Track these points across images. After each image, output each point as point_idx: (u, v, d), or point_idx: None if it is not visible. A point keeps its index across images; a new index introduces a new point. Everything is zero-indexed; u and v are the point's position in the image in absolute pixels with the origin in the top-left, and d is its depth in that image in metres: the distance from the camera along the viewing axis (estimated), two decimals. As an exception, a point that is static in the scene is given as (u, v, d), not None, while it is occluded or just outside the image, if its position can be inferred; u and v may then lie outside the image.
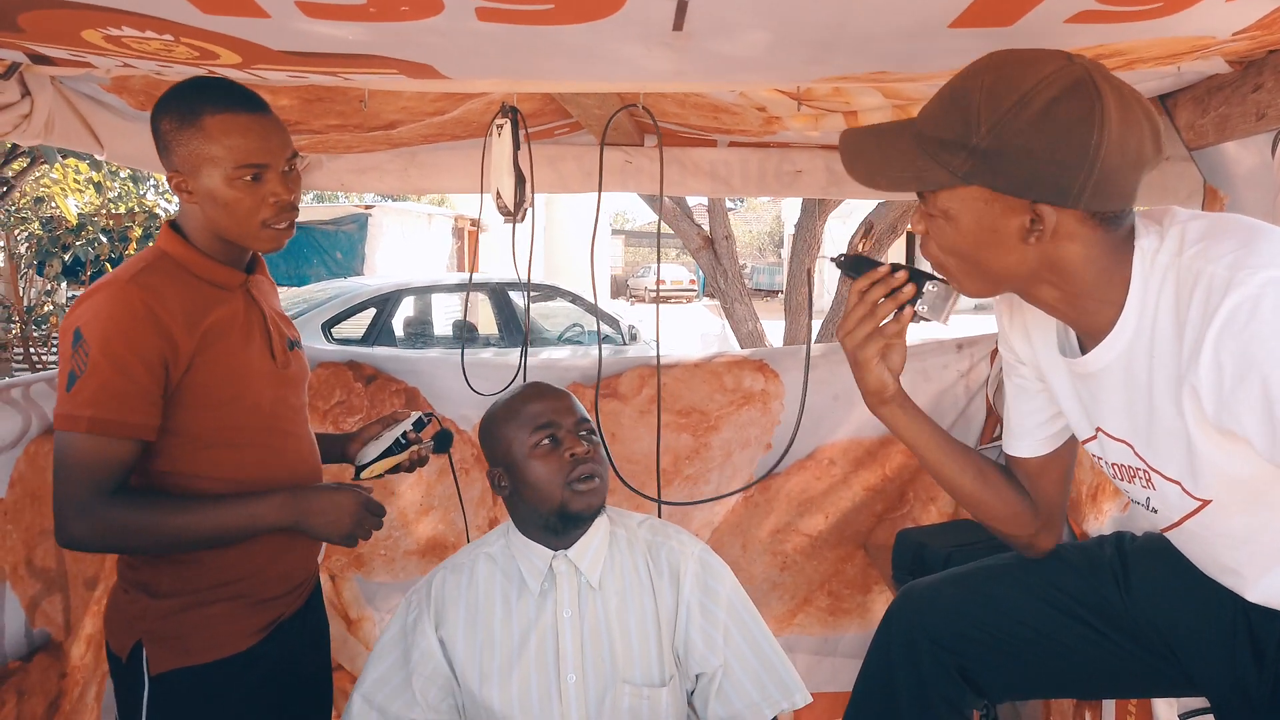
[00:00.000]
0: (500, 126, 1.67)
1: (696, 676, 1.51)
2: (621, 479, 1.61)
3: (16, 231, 8.87)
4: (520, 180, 1.71)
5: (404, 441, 1.71)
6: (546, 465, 1.46)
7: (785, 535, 2.63)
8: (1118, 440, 1.20)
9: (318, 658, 1.79)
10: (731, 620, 1.51)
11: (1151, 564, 1.35)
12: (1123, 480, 1.24)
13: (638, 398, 2.56)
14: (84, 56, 1.34)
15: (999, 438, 2.57)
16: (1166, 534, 1.24)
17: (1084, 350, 1.19)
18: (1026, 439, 1.36)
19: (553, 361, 2.64)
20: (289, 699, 1.62)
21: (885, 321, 1.25)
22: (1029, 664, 1.41)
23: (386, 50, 1.18)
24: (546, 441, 1.47)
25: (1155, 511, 1.20)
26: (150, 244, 1.58)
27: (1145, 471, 1.18)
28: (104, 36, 1.12)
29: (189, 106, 1.41)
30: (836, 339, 1.31)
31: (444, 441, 1.79)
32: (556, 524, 1.48)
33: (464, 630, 1.49)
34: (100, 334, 1.37)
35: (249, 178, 1.43)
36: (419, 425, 1.76)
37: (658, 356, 1.82)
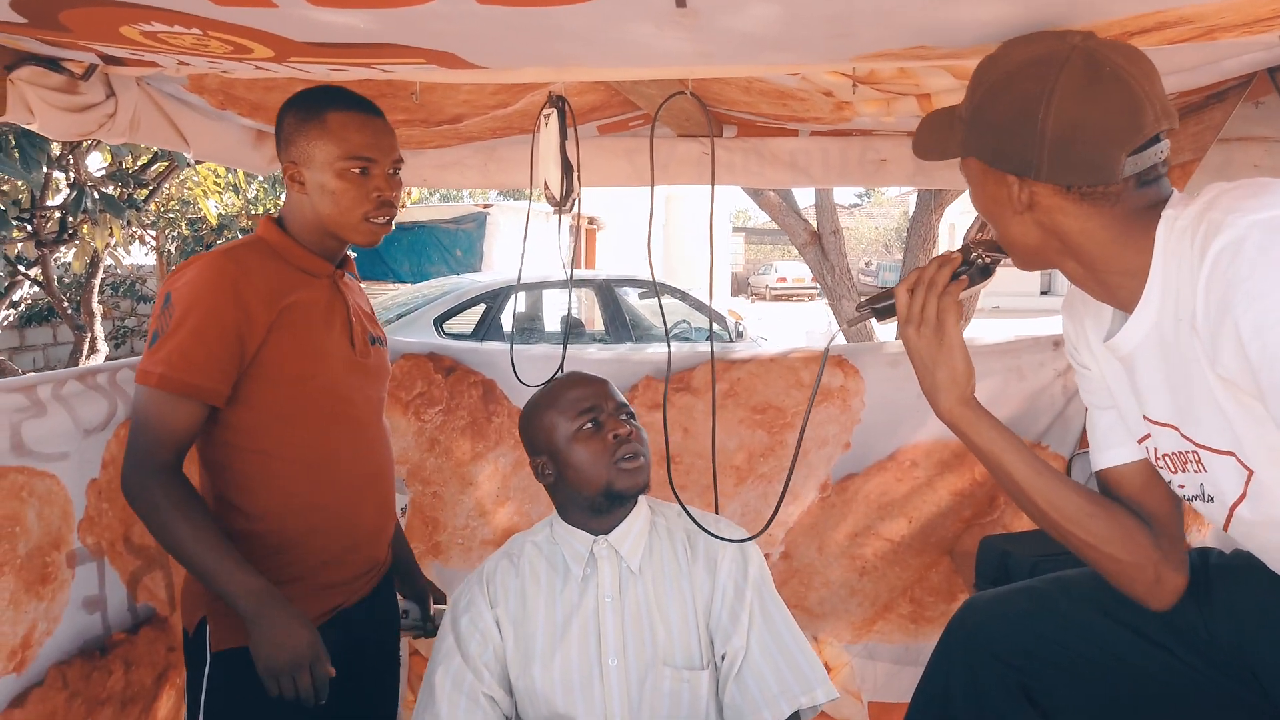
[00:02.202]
0: (547, 117, 1.66)
1: (721, 658, 1.49)
2: (685, 509, 1.60)
3: (168, 232, 9.48)
4: (568, 170, 1.70)
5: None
6: (590, 448, 1.50)
7: (864, 539, 2.53)
8: (1163, 425, 1.12)
9: (384, 646, 1.83)
10: (757, 600, 1.50)
11: (1236, 581, 1.24)
12: (1176, 472, 1.14)
13: (710, 392, 2.51)
14: (141, 55, 1.41)
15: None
16: (1228, 532, 1.13)
17: None
18: (1116, 446, 1.23)
19: (627, 355, 2.61)
20: (350, 685, 1.64)
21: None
22: (1098, 687, 1.32)
23: (402, 38, 1.19)
24: (589, 425, 1.51)
25: (1211, 500, 1.10)
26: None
27: (1194, 453, 1.09)
28: (141, 32, 1.17)
29: (315, 104, 1.54)
30: (900, 336, 1.25)
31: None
32: (602, 503, 1.51)
33: (513, 612, 1.52)
34: (186, 300, 1.47)
35: (357, 170, 1.54)
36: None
37: (711, 352, 1.78)
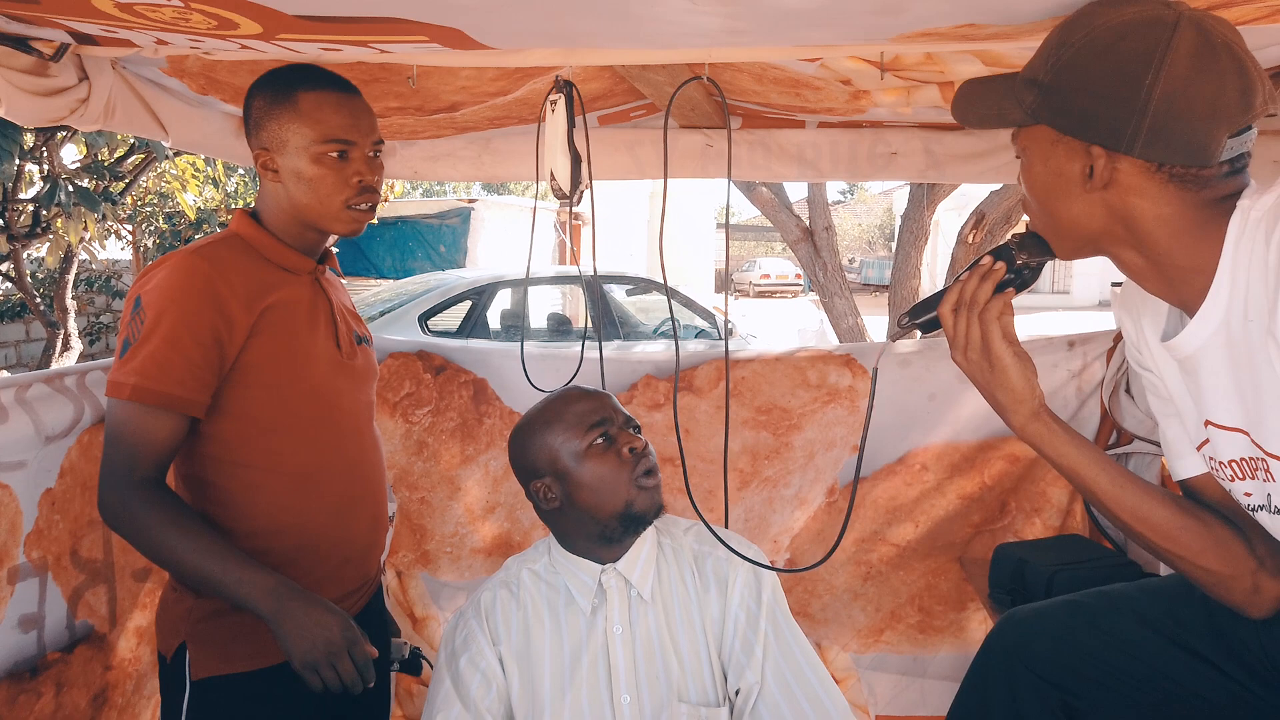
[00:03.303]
0: (554, 103, 1.55)
1: (736, 693, 1.38)
2: (694, 504, 1.49)
3: (144, 226, 9.30)
4: (575, 160, 1.60)
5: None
6: (605, 464, 1.37)
7: (871, 544, 2.45)
8: (1230, 430, 1.03)
9: (376, 666, 1.73)
10: (771, 629, 1.39)
11: None
12: (1242, 480, 1.06)
13: (714, 391, 2.42)
14: (115, 32, 1.29)
15: (1114, 444, 2.34)
16: None
17: None
18: (1192, 454, 1.15)
19: (626, 354, 2.52)
20: (342, 708, 1.54)
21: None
22: (1144, 707, 1.24)
23: (407, 11, 1.09)
24: (600, 441, 1.38)
25: (1278, 513, 1.02)
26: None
27: (1264, 460, 1.00)
28: (115, 4, 1.06)
29: (284, 85, 1.43)
30: (954, 361, 1.16)
31: (412, 665, 1.80)
32: (616, 529, 1.38)
33: (518, 649, 1.40)
34: (157, 304, 1.35)
35: (335, 154, 1.44)
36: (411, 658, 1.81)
37: (725, 351, 1.68)
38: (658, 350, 2.19)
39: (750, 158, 2.40)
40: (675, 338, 1.72)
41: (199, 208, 8.76)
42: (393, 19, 1.13)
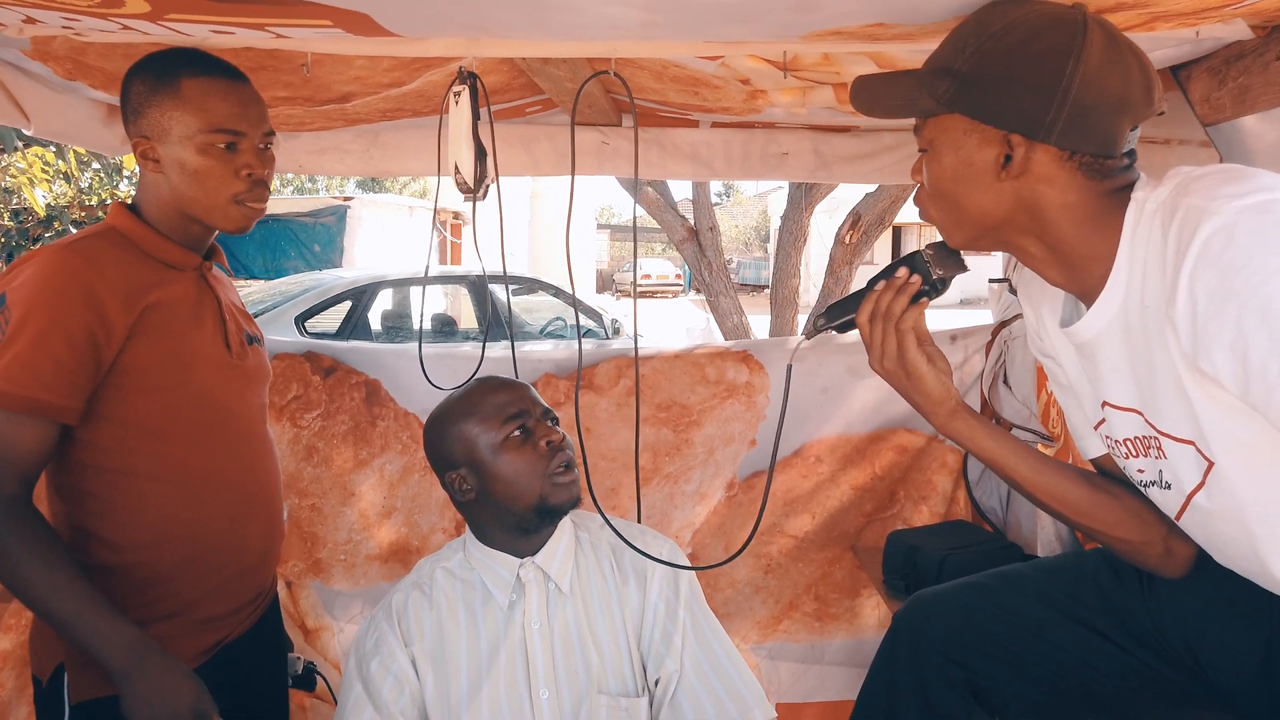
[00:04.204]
0: (458, 95, 1.52)
1: (656, 683, 1.40)
2: (596, 504, 1.48)
3: (-15, 224, 8.65)
4: (481, 154, 1.57)
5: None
6: (521, 457, 1.35)
7: (770, 537, 2.49)
8: (1126, 410, 1.10)
9: (272, 683, 1.66)
10: (689, 619, 1.41)
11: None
12: (1135, 457, 1.13)
13: (615, 389, 2.42)
14: (-21, 6, 1.19)
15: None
16: (1180, 521, 1.12)
17: None
18: (1092, 435, 1.22)
19: (525, 353, 2.49)
20: None
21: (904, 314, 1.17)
22: (1044, 681, 1.31)
23: (315, -8, 1.04)
24: (518, 433, 1.37)
25: (1169, 487, 1.10)
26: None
27: (1155, 439, 1.07)
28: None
29: (166, 69, 1.34)
30: (872, 369, 1.20)
31: (305, 680, 1.77)
32: (532, 521, 1.37)
33: (430, 649, 1.37)
34: (25, 302, 1.25)
35: (223, 145, 1.37)
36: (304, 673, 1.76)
37: (635, 348, 1.68)
38: (554, 349, 2.17)
39: (645, 156, 2.41)
40: (579, 336, 1.71)
41: (49, 204, 8.20)
42: (297, 1, 1.08)
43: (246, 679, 1.51)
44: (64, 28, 1.30)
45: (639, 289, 30.06)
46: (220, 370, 1.45)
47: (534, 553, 1.40)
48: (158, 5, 1.11)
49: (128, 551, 1.37)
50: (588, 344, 6.19)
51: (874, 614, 2.51)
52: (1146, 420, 1.07)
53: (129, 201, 1.46)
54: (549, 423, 1.40)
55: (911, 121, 1.14)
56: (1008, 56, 1.01)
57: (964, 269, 1.16)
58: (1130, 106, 1.01)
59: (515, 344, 2.15)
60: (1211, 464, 1.02)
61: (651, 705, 1.40)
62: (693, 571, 1.46)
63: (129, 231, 1.39)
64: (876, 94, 1.14)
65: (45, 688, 1.38)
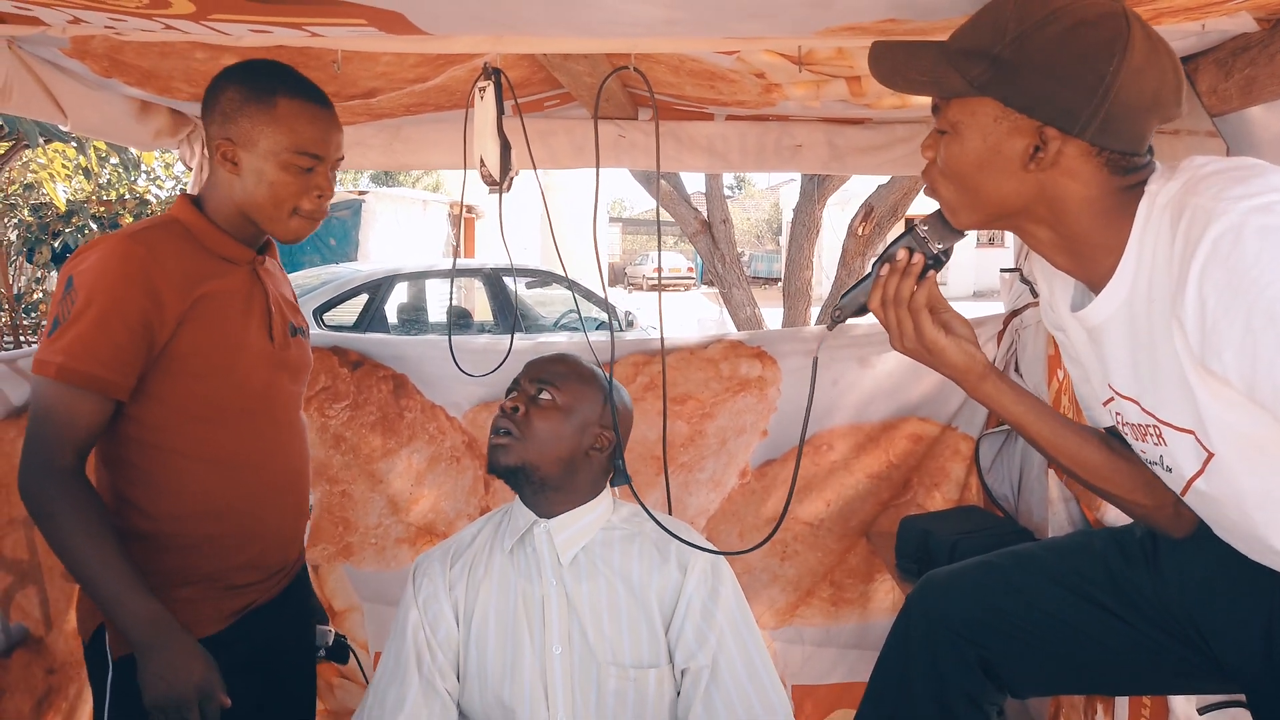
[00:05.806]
0: (483, 90, 1.57)
1: (682, 673, 1.47)
2: (636, 496, 1.56)
3: (6, 219, 8.76)
4: (506, 147, 1.62)
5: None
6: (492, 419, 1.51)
7: (785, 524, 2.53)
8: (1126, 398, 1.13)
9: (300, 647, 1.73)
10: (729, 627, 1.48)
11: (1185, 548, 1.27)
12: (1139, 440, 1.16)
13: (632, 385, 2.47)
14: (29, 10, 1.25)
15: (1004, 424, 2.49)
16: (1185, 497, 1.16)
17: None
18: (1102, 410, 1.25)
19: (547, 345, 2.54)
20: (265, 688, 1.56)
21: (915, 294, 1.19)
22: (1053, 657, 1.34)
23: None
24: (506, 397, 1.52)
25: (1169, 471, 1.13)
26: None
27: (1156, 427, 1.10)
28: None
29: (264, 83, 1.43)
30: (894, 350, 1.23)
31: (338, 652, 1.83)
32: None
33: (467, 593, 1.51)
34: (89, 285, 1.35)
35: (303, 166, 1.45)
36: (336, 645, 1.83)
37: (661, 343, 1.74)
38: (579, 341, 2.20)
39: (662, 148, 2.45)
40: (611, 330, 1.76)
41: (69, 199, 8.30)
42: (334, 0, 1.13)
43: (275, 641, 1.60)
44: (107, 28, 1.35)
45: (652, 282, 30.10)
46: (262, 360, 1.53)
47: (548, 516, 1.50)
48: (202, 5, 1.17)
49: (163, 521, 1.45)
50: (602, 337, 6.24)
51: (887, 598, 2.55)
52: (1144, 408, 1.10)
53: (195, 195, 1.53)
54: (529, 392, 1.50)
55: (924, 109, 1.16)
56: (1051, 47, 1.00)
57: (962, 235, 1.18)
58: (1161, 107, 1.02)
59: (528, 336, 2.20)
60: (1211, 455, 1.05)
61: (677, 689, 1.48)
62: (734, 577, 1.53)
63: (191, 225, 1.48)
64: (899, 65, 1.12)
65: (90, 647, 1.48)
